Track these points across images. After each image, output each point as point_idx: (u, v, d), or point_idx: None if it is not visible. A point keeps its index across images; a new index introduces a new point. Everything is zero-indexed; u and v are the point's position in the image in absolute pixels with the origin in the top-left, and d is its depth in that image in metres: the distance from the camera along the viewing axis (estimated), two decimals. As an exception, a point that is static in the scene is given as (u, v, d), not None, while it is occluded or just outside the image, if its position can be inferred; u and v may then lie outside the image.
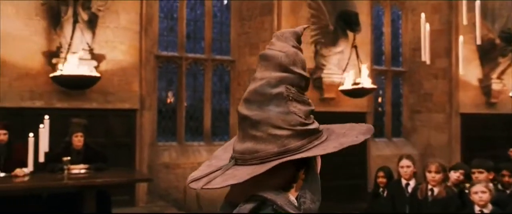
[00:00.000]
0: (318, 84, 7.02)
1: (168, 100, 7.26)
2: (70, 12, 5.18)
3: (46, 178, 4.15)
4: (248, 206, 0.95)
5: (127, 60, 5.88)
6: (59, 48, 5.33)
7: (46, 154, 4.24)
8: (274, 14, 6.91)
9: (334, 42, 7.06)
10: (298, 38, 1.09)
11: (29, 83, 5.32)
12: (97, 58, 5.62)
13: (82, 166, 4.47)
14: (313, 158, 1.02)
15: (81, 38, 5.20)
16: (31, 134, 4.14)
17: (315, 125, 1.04)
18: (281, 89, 0.98)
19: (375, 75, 7.85)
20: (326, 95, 7.05)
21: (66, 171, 4.22)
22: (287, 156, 0.96)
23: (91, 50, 5.53)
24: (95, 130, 5.49)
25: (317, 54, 7.09)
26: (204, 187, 0.99)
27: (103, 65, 5.69)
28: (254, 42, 7.14)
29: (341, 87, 6.87)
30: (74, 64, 4.91)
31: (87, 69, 5.25)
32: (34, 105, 5.32)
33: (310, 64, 6.99)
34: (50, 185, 3.98)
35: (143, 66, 6.02)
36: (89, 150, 4.63)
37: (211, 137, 7.22)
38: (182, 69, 7.00)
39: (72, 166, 4.38)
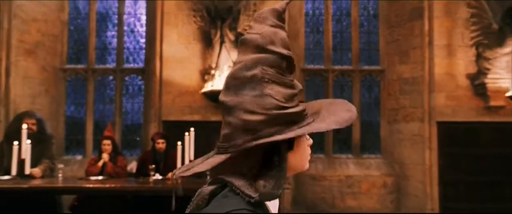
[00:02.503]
0: (482, 90, 6.19)
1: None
2: (218, 34, 5.76)
3: (193, 182, 4.66)
4: (210, 188, 0.96)
5: (271, 75, 6.20)
6: (210, 67, 5.96)
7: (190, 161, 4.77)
8: (425, 18, 6.40)
9: (500, 43, 6.16)
10: (278, 16, 1.03)
11: (188, 99, 6.07)
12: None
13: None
14: (285, 144, 0.97)
15: (227, 56, 5.71)
16: (179, 143, 4.73)
17: (297, 109, 0.98)
18: (255, 71, 0.95)
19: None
20: (493, 103, 6.15)
21: (208, 178, 4.66)
22: (258, 141, 0.91)
23: (238, 67, 6.02)
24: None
25: (479, 57, 6.27)
26: (181, 174, 1.04)
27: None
28: (404, 49, 6.73)
29: (508, 93, 5.91)
30: (220, 81, 5.42)
31: (234, 84, 5.73)
32: (193, 119, 6.03)
33: (471, 68, 6.23)
34: (194, 188, 4.44)
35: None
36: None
37: (360, 150, 7.01)
38: (329, 82, 7.02)
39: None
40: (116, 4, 6.82)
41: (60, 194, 4.71)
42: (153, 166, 4.71)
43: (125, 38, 6.80)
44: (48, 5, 6.38)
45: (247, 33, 1.04)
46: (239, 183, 0.95)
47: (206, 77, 5.90)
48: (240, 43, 1.04)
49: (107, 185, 4.35)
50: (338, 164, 6.86)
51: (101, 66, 6.72)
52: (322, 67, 7.09)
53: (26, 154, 4.43)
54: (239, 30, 6.09)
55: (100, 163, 4.84)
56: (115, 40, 6.78)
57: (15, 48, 5.94)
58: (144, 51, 6.74)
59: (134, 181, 4.70)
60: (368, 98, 7.22)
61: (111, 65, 6.74)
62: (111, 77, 6.70)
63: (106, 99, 6.73)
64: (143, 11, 6.83)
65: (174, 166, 4.78)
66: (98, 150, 5.01)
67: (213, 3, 5.83)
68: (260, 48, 1.00)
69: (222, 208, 0.90)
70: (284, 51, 1.00)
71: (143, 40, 6.79)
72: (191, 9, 6.11)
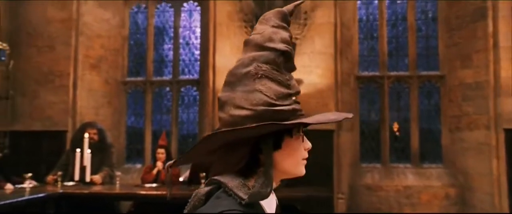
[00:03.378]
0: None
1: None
2: (268, 43, 5.81)
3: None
4: (206, 189, 0.98)
5: (323, 82, 6.14)
6: (262, 76, 6.00)
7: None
8: (489, 18, 6.02)
9: None
10: (282, 17, 1.04)
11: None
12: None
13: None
14: (270, 143, 0.95)
15: (278, 65, 5.74)
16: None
17: (287, 107, 0.96)
18: (250, 67, 0.96)
19: None
20: None
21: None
22: (221, 131, 0.91)
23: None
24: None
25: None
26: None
27: (301, 89, 6.06)
28: (466, 53, 6.36)
29: None
30: (270, 89, 5.45)
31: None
32: (244, 128, 6.10)
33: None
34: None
35: (339, 88, 6.15)
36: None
37: (419, 159, 6.69)
38: (385, 88, 6.80)
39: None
40: (172, 18, 7.11)
41: (117, 200, 4.95)
42: (204, 174, 4.81)
43: (181, 50, 7.06)
44: (110, 22, 6.80)
45: (251, 34, 1.06)
46: (232, 183, 0.95)
47: (257, 86, 5.95)
48: (243, 44, 1.06)
49: (160, 192, 4.51)
50: (396, 173, 6.59)
51: (159, 78, 7.02)
52: (377, 73, 6.88)
53: (87, 161, 4.72)
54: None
55: (155, 171, 5.04)
56: (171, 53, 7.06)
57: (81, 63, 6.37)
58: (198, 63, 6.94)
59: (186, 188, 4.83)
60: (427, 105, 6.89)
61: (167, 77, 7.02)
62: (167, 89, 6.97)
63: (163, 109, 7.01)
64: (198, 23, 7.06)
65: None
66: (154, 159, 5.23)
67: (262, 13, 5.89)
68: (259, 46, 1.01)
69: (214, 208, 0.91)
70: (280, 46, 1.00)
71: (197, 52, 7.01)
72: (242, 20, 6.22)
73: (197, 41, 7.07)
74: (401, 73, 6.88)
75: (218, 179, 0.98)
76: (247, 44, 1.03)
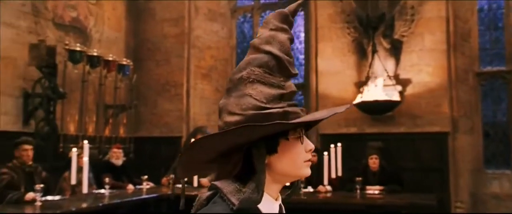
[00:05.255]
0: None
1: None
2: (371, 43, 5.57)
3: (343, 196, 4.57)
4: (208, 193, 1.00)
5: (434, 81, 5.66)
6: (366, 78, 5.77)
7: (341, 174, 4.69)
8: None
9: None
10: (282, 18, 1.02)
11: (344, 111, 5.96)
12: (403, 82, 5.70)
13: (377, 187, 4.64)
14: (261, 147, 0.92)
15: (381, 65, 5.45)
16: (325, 153, 4.71)
17: (279, 110, 0.93)
18: (243, 72, 0.96)
19: None
20: None
21: (358, 191, 4.51)
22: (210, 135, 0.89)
23: (396, 76, 5.68)
24: (403, 154, 5.55)
25: None
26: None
27: (410, 89, 5.70)
28: None
29: None
30: (372, 91, 5.21)
31: (391, 94, 5.43)
32: (349, 131, 5.93)
33: None
34: (345, 202, 4.35)
35: (454, 86, 5.61)
36: (385, 172, 4.74)
37: (560, 165, 5.74)
38: (512, 85, 6.00)
39: (368, 187, 4.64)
40: (277, 25, 7.23)
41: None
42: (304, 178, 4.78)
43: (286, 56, 7.13)
44: (219, 33, 7.20)
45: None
46: (227, 189, 0.95)
47: (361, 89, 5.74)
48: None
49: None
50: (530, 181, 5.75)
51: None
52: (503, 68, 6.10)
53: (195, 165, 5.04)
54: (395, 36, 5.77)
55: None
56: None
57: (193, 73, 6.85)
58: (303, 67, 6.96)
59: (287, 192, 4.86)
60: None
61: (273, 82, 7.16)
62: (273, 94, 7.10)
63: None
64: (302, 28, 7.08)
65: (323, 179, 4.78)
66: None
67: (365, 13, 5.67)
68: (256, 49, 1.00)
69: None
70: (274, 50, 0.97)
71: (302, 56, 7.03)
72: (344, 21, 6.06)
73: (301, 46, 7.09)
74: (533, 66, 6.00)
75: (216, 184, 0.99)
76: (249, 49, 1.03)
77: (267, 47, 0.97)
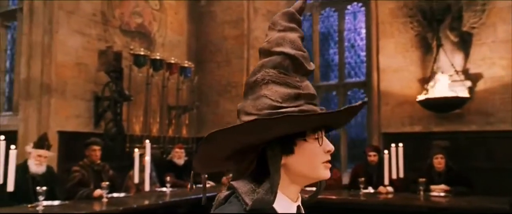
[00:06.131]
0: None
1: None
2: (435, 37, 5.27)
3: (405, 197, 4.36)
4: (226, 193, 1.02)
5: (509, 75, 5.22)
6: (432, 74, 5.47)
7: (402, 175, 4.48)
8: None
9: None
10: (289, 18, 1.02)
11: (408, 109, 5.72)
12: (473, 78, 5.33)
13: (442, 187, 4.38)
14: (276, 148, 0.91)
15: (449, 60, 5.13)
16: (385, 152, 4.53)
17: (294, 108, 0.93)
18: (258, 75, 0.97)
19: None
20: None
21: (421, 192, 4.28)
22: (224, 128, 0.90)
23: (465, 71, 5.33)
24: (474, 154, 5.20)
25: None
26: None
27: (481, 84, 5.32)
28: None
29: None
30: (438, 88, 4.93)
31: (459, 90, 5.10)
32: (413, 130, 5.65)
33: None
34: (406, 204, 4.15)
35: (532, 81, 5.14)
36: (451, 173, 4.46)
37: None
38: None
39: (433, 187, 4.39)
40: (336, 22, 7.10)
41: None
42: (363, 179, 4.64)
43: (346, 53, 6.98)
44: (278, 33, 7.20)
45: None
46: (243, 189, 0.96)
47: (425, 85, 5.45)
48: (258, 53, 1.07)
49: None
50: None
51: (325, 83, 7.08)
52: None
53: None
54: (464, 28, 5.41)
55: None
56: (336, 57, 7.05)
57: (253, 74, 6.91)
58: (364, 64, 6.76)
59: (346, 193, 4.75)
60: None
61: (334, 81, 7.03)
62: (334, 93, 6.98)
63: (331, 114, 7.01)
64: (362, 24, 6.88)
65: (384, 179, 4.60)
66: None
67: (428, 5, 5.38)
68: (267, 53, 1.01)
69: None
70: (287, 50, 0.97)
71: (363, 53, 6.83)
72: (407, 15, 5.80)
73: (362, 43, 6.89)
74: None
75: (233, 184, 1.00)
76: (259, 54, 1.03)
77: (279, 49, 0.97)
